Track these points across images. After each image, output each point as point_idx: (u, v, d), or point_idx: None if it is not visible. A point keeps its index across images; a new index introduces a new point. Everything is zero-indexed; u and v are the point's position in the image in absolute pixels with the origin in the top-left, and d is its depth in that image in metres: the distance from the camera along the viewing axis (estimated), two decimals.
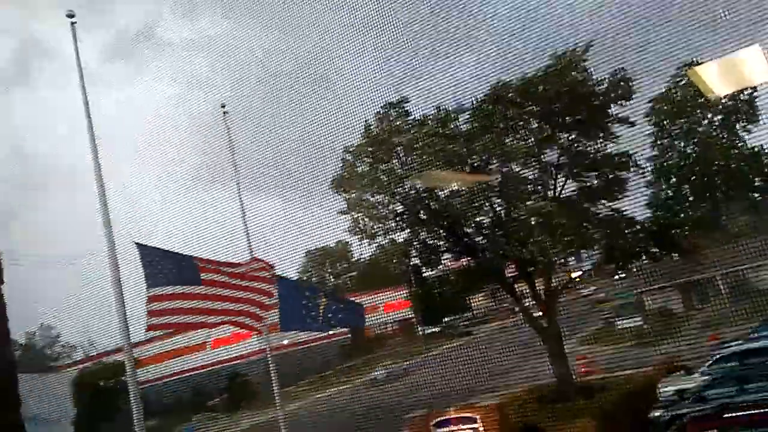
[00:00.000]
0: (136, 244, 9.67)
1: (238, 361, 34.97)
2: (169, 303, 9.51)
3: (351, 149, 19.70)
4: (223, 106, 18.91)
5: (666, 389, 14.85)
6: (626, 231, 17.60)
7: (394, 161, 19.66)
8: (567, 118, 17.61)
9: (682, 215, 18.88)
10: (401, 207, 19.75)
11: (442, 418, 16.37)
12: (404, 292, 29.69)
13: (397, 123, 19.19)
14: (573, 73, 16.91)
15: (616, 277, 22.14)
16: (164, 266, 9.74)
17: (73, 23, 14.16)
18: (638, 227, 17.66)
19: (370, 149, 19.46)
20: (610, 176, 17.74)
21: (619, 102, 17.06)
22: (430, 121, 18.45)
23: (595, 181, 18.02)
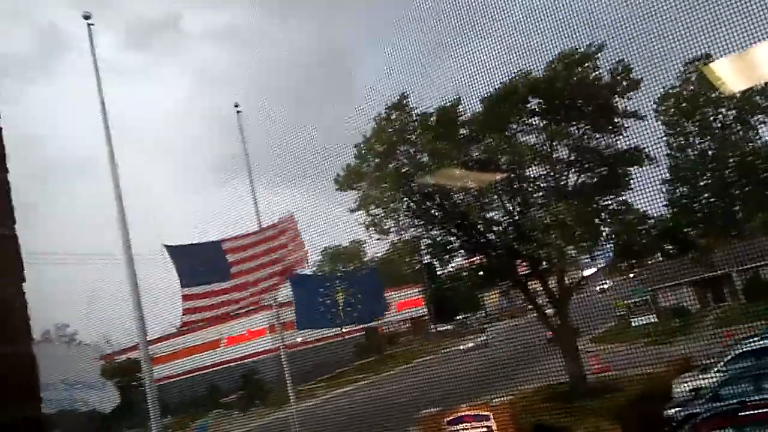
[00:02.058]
0: (165, 246, 9.78)
1: (253, 359, 35.20)
2: (202, 301, 9.67)
3: (364, 145, 19.72)
4: (237, 105, 18.98)
5: (681, 387, 14.73)
6: (640, 228, 17.48)
7: (405, 159, 19.68)
8: (580, 114, 17.51)
9: (697, 213, 18.69)
10: (414, 204, 19.76)
11: (455, 415, 16.40)
12: (417, 290, 29.64)
13: (409, 119, 19.21)
14: (587, 67, 16.81)
15: (631, 274, 21.99)
16: (195, 263, 9.89)
17: (89, 24, 14.36)
18: (652, 224, 17.54)
19: (382, 146, 19.49)
20: (623, 173, 17.62)
21: (632, 98, 16.94)
22: (440, 118, 18.43)
23: (608, 178, 17.90)
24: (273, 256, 10.72)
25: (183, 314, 9.63)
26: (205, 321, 11.17)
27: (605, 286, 23.42)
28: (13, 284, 1.52)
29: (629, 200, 17.66)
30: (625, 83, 16.56)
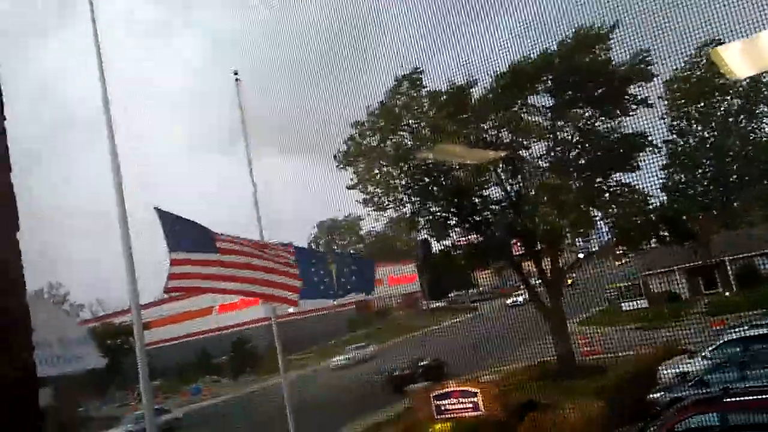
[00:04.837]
0: (156, 209, 9.64)
1: (245, 327, 35.38)
2: (189, 267, 9.55)
3: (364, 121, 19.55)
4: (236, 73, 18.65)
5: (667, 372, 14.91)
6: (637, 213, 17.47)
7: (405, 134, 19.54)
8: (586, 95, 17.34)
9: (696, 200, 18.67)
10: (412, 180, 19.67)
11: (443, 390, 16.59)
12: (411, 265, 29.72)
13: (413, 95, 19.00)
14: (594, 49, 16.59)
15: (625, 258, 22.07)
16: (182, 232, 9.77)
17: None
18: (650, 209, 17.53)
19: (382, 122, 19.32)
20: (625, 156, 17.52)
21: (638, 82, 16.77)
22: (445, 95, 18.22)
23: (610, 161, 17.82)
24: (259, 266, 10.52)
25: (169, 279, 9.52)
26: (190, 289, 11.07)
27: (599, 269, 23.54)
28: (6, 233, 1.47)
29: (629, 184, 17.62)
30: (636, 67, 16.32)
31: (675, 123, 18.00)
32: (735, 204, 19.76)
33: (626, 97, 16.76)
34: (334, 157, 19.63)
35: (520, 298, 25.21)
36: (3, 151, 1.53)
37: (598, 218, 18.33)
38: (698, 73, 16.83)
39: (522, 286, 21.44)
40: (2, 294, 1.40)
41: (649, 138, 16.75)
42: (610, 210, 17.76)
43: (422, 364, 20.66)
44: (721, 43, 12.97)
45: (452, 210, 19.80)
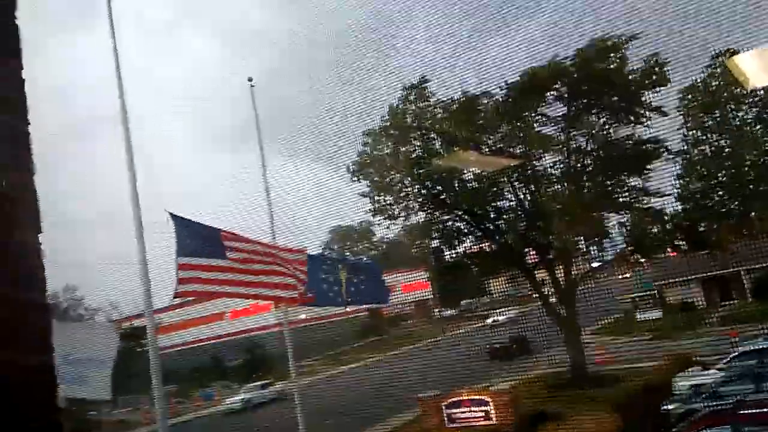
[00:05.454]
0: (170, 214, 9.75)
1: (256, 333, 35.51)
2: (198, 272, 9.64)
3: (376, 131, 19.66)
4: (250, 80, 18.86)
5: (681, 383, 14.73)
6: (651, 222, 17.36)
7: (418, 143, 19.60)
8: (598, 104, 17.31)
9: (711, 209, 18.50)
10: (425, 189, 19.70)
11: (454, 399, 16.54)
12: (423, 273, 29.67)
13: (424, 105, 19.09)
14: (609, 58, 16.57)
15: (639, 267, 21.87)
16: (193, 237, 9.87)
17: None
18: (664, 218, 17.41)
19: (395, 131, 19.42)
20: (639, 165, 17.43)
21: (652, 89, 16.70)
22: (457, 104, 18.28)
23: (624, 170, 17.74)
24: (268, 270, 10.55)
25: (178, 283, 9.61)
26: (199, 293, 11.17)
27: (611, 279, 23.32)
28: (29, 235, 1.52)
29: (643, 193, 17.52)
30: (650, 71, 16.26)
31: (692, 132, 17.89)
32: (752, 213, 19.53)
33: (641, 104, 16.70)
34: (347, 169, 19.78)
35: (502, 317, 24.46)
36: (27, 154, 1.59)
37: (611, 226, 18.25)
38: (714, 82, 16.73)
39: (532, 295, 21.32)
40: (23, 293, 1.45)
41: (666, 145, 16.69)
42: (626, 219, 17.66)
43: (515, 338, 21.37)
44: (736, 53, 12.89)
45: (465, 218, 19.80)
